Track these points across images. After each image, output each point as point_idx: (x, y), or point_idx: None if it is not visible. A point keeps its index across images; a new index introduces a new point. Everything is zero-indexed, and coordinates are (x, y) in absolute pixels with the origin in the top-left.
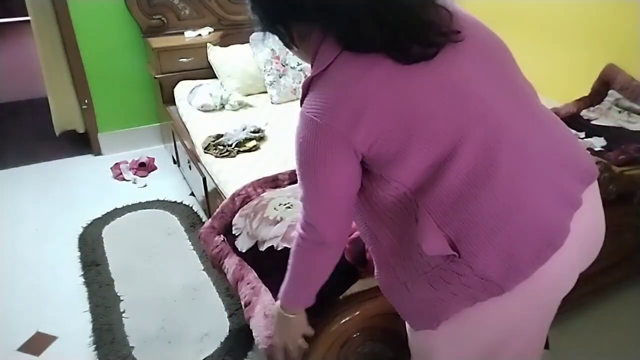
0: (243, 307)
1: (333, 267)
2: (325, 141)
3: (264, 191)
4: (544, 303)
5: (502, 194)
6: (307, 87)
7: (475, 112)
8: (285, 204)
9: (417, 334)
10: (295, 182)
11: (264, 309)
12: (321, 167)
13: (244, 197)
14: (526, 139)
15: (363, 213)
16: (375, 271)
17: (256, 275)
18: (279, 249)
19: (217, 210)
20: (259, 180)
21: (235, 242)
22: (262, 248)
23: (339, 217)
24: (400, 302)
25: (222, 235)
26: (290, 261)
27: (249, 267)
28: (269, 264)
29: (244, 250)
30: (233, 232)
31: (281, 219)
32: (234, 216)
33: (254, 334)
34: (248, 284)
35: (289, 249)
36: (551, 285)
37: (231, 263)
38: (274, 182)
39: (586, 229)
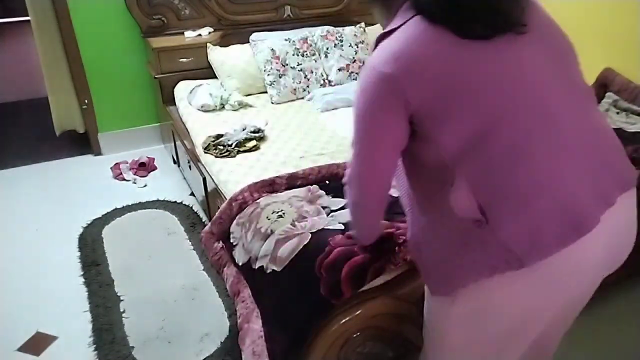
0: (238, 326)
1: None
2: (382, 88)
3: (260, 196)
4: (562, 294)
5: (539, 172)
6: (378, 42)
7: (526, 93)
8: (278, 212)
9: (433, 313)
10: (291, 187)
11: (252, 344)
12: (373, 115)
13: (240, 203)
14: (573, 130)
15: (404, 171)
16: (408, 229)
17: (250, 292)
18: (268, 271)
19: (216, 215)
20: (256, 183)
21: (233, 252)
22: (255, 266)
23: (380, 172)
24: (423, 261)
25: (220, 242)
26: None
27: (245, 282)
28: (260, 285)
29: (240, 263)
30: (231, 241)
31: (271, 231)
32: (231, 222)
33: None
34: (243, 301)
35: (278, 272)
36: (572, 275)
37: (229, 273)
38: (271, 186)
39: (617, 230)
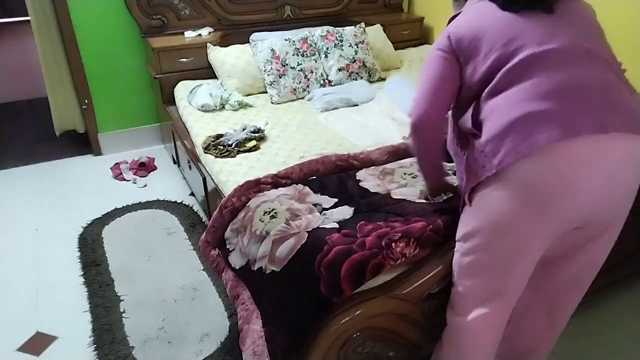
0: (238, 328)
1: (437, 146)
2: (442, 43)
3: (248, 199)
4: (538, 209)
5: (516, 107)
6: (450, 21)
7: (535, 48)
8: (269, 212)
9: (462, 216)
10: (278, 186)
11: (253, 345)
12: (433, 62)
13: (231, 210)
14: (578, 76)
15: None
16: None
17: (250, 294)
18: (267, 272)
19: (209, 224)
20: (241, 186)
21: (229, 258)
22: (254, 268)
23: (435, 103)
24: (462, 173)
25: (216, 249)
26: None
27: (244, 284)
28: (260, 286)
29: (237, 267)
30: (227, 247)
31: (266, 233)
32: (225, 229)
33: None
34: (243, 304)
35: (277, 272)
36: (544, 189)
37: (227, 278)
38: (257, 186)
39: (609, 165)
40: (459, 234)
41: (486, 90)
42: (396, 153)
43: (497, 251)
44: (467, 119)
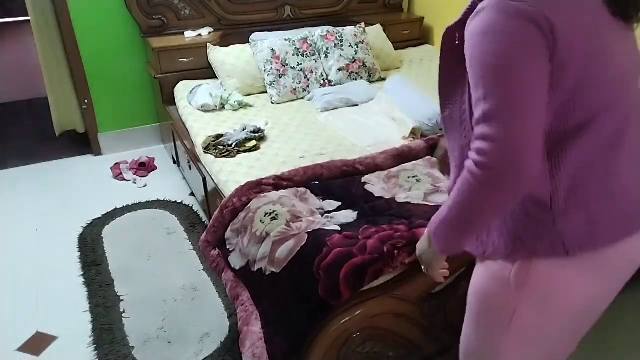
0: (238, 329)
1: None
2: (525, 27)
3: (249, 199)
4: (610, 286)
5: (617, 172)
6: None
7: (623, 90)
8: (270, 214)
9: (499, 295)
10: (279, 188)
11: (252, 347)
12: (517, 63)
13: (232, 210)
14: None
15: None
16: None
17: (249, 295)
18: (267, 273)
19: (210, 223)
20: (242, 186)
21: (229, 258)
22: (254, 269)
23: (533, 128)
24: (493, 237)
25: (217, 249)
26: (453, 200)
27: (244, 285)
28: (260, 288)
29: (237, 268)
30: (227, 247)
31: (266, 234)
32: (225, 229)
33: None
34: (242, 305)
35: (276, 273)
36: (623, 270)
37: (227, 278)
38: (258, 187)
39: None
40: (493, 329)
41: (561, 129)
42: (400, 156)
43: (566, 333)
44: (537, 184)
